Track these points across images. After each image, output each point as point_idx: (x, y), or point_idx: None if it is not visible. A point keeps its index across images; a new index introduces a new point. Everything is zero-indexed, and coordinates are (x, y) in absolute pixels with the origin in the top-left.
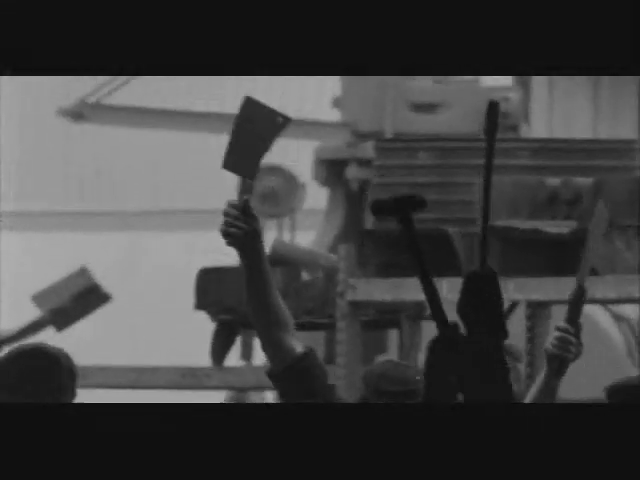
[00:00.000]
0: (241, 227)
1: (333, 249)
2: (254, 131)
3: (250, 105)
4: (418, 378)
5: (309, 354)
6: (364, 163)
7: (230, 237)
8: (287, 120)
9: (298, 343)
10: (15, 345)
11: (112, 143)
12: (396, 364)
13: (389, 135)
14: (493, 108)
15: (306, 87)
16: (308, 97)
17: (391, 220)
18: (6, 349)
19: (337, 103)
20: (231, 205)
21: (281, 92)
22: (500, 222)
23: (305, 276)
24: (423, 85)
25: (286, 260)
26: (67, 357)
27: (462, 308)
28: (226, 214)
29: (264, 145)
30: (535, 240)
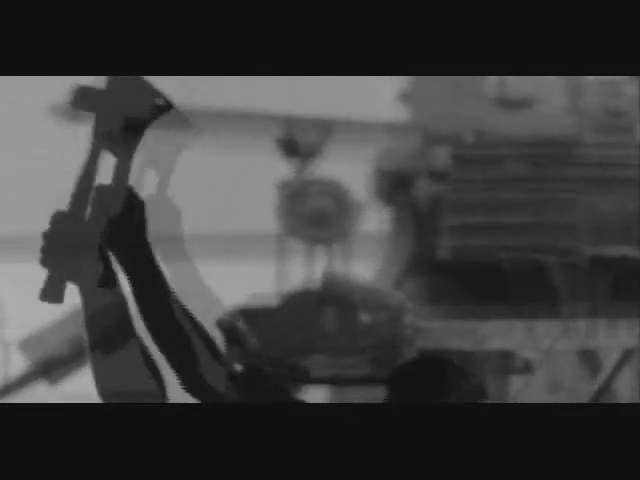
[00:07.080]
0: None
1: (399, 284)
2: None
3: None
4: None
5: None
6: (437, 176)
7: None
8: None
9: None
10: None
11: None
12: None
13: (468, 139)
14: None
15: (364, 78)
16: (366, 91)
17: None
18: None
19: (404, 99)
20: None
21: (333, 84)
22: (612, 251)
23: (364, 318)
24: (508, 77)
25: (340, 297)
26: None
27: None
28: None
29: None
30: None
